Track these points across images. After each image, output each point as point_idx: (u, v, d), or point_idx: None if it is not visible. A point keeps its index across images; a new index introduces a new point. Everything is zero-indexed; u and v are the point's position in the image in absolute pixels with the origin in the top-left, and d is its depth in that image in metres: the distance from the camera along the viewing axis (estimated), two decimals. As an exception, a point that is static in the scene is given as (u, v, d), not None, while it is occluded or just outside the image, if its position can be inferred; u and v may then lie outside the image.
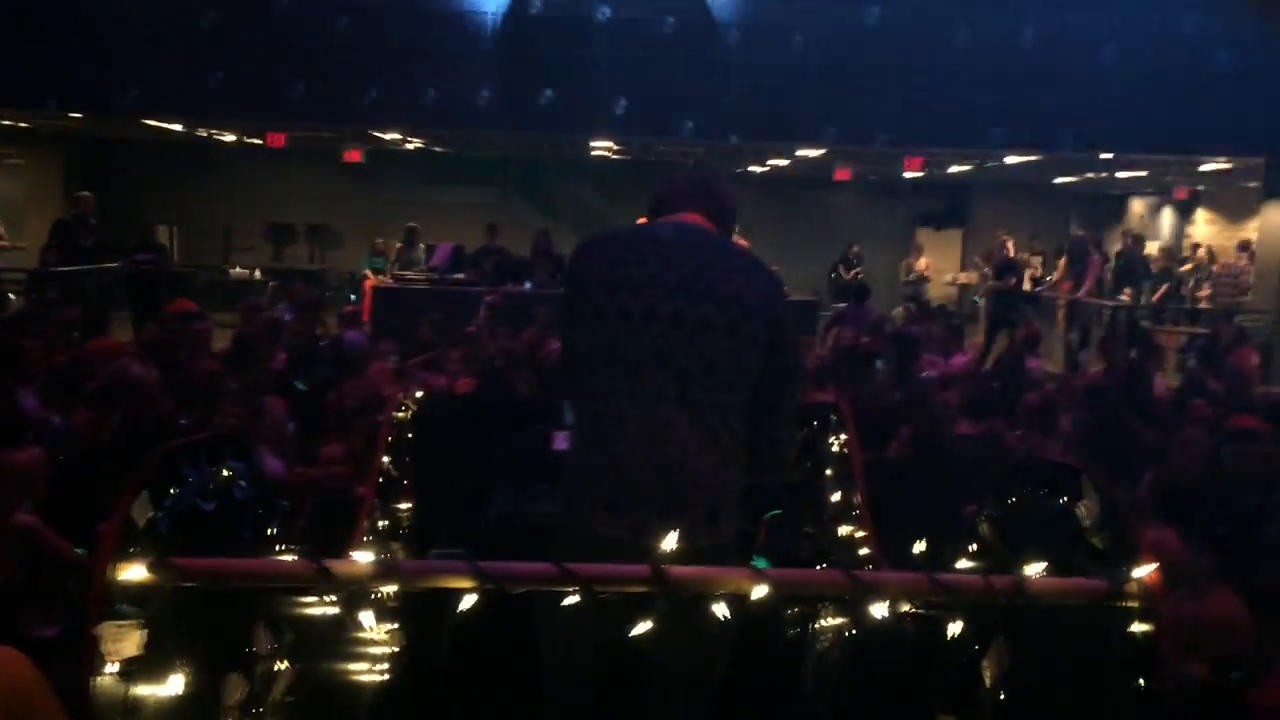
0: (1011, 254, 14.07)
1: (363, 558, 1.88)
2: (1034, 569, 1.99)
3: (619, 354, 2.35)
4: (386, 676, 2.82)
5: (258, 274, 17.66)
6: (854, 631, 2.85)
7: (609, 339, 2.36)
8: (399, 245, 14.75)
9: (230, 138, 16.65)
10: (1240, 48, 11.73)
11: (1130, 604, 1.88)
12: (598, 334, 2.37)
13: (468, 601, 1.95)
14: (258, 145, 16.18)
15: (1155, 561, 1.93)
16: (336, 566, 1.85)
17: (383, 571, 1.85)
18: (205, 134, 16.28)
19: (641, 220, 2.72)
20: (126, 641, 1.74)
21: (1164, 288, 15.02)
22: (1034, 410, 5.52)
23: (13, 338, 6.22)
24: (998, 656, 2.41)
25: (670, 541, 2.12)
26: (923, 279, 16.67)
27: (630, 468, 2.31)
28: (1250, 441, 4.84)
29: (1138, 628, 1.86)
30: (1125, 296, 13.62)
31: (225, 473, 2.19)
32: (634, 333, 2.34)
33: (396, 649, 2.83)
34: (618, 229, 2.72)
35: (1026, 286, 16.06)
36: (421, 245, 14.55)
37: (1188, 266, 15.85)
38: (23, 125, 16.13)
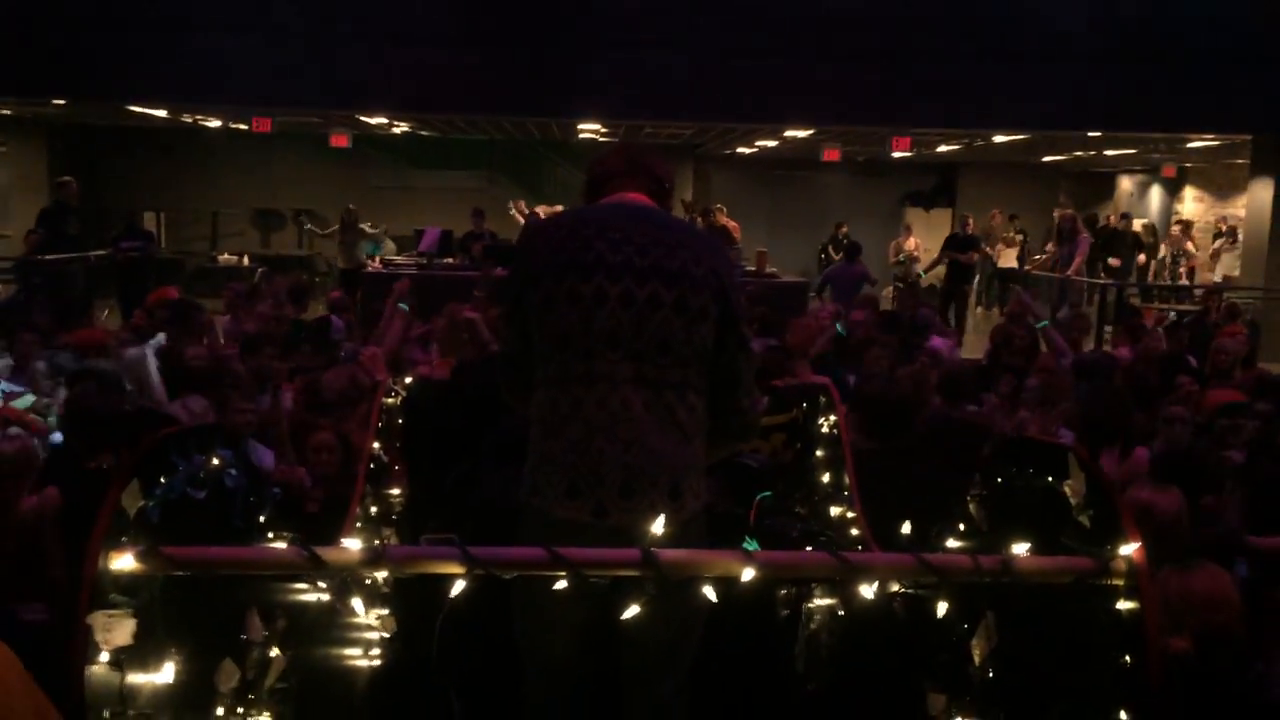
0: (970, 231, 14.11)
1: (352, 545, 1.89)
2: (1021, 548, 2.00)
3: (572, 340, 2.36)
4: (379, 661, 2.83)
5: (246, 260, 17.59)
6: (844, 611, 2.87)
7: (561, 325, 2.37)
8: (335, 229, 14.07)
9: (215, 123, 16.56)
10: (1227, 25, 11.73)
11: (1116, 581, 1.89)
12: (549, 322, 2.39)
13: (458, 586, 1.96)
14: (243, 130, 16.09)
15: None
16: (327, 554, 1.85)
17: (372, 558, 1.85)
18: (190, 119, 16.19)
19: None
20: (118, 630, 1.74)
21: (1152, 263, 15.08)
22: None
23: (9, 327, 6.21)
24: (986, 634, 2.43)
25: (634, 520, 2.15)
26: (912, 259, 16.68)
27: (589, 451, 2.33)
28: (1238, 415, 4.88)
29: (1123, 605, 1.88)
30: (1114, 261, 13.60)
31: (215, 461, 2.19)
32: (585, 317, 2.35)
33: (388, 633, 2.84)
34: (560, 215, 2.73)
35: (1013, 264, 16.09)
36: (364, 226, 14.14)
37: (1162, 249, 15.90)
38: (5, 113, 16.01)
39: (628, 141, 3.24)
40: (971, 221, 14.50)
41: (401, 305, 6.16)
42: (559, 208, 14.28)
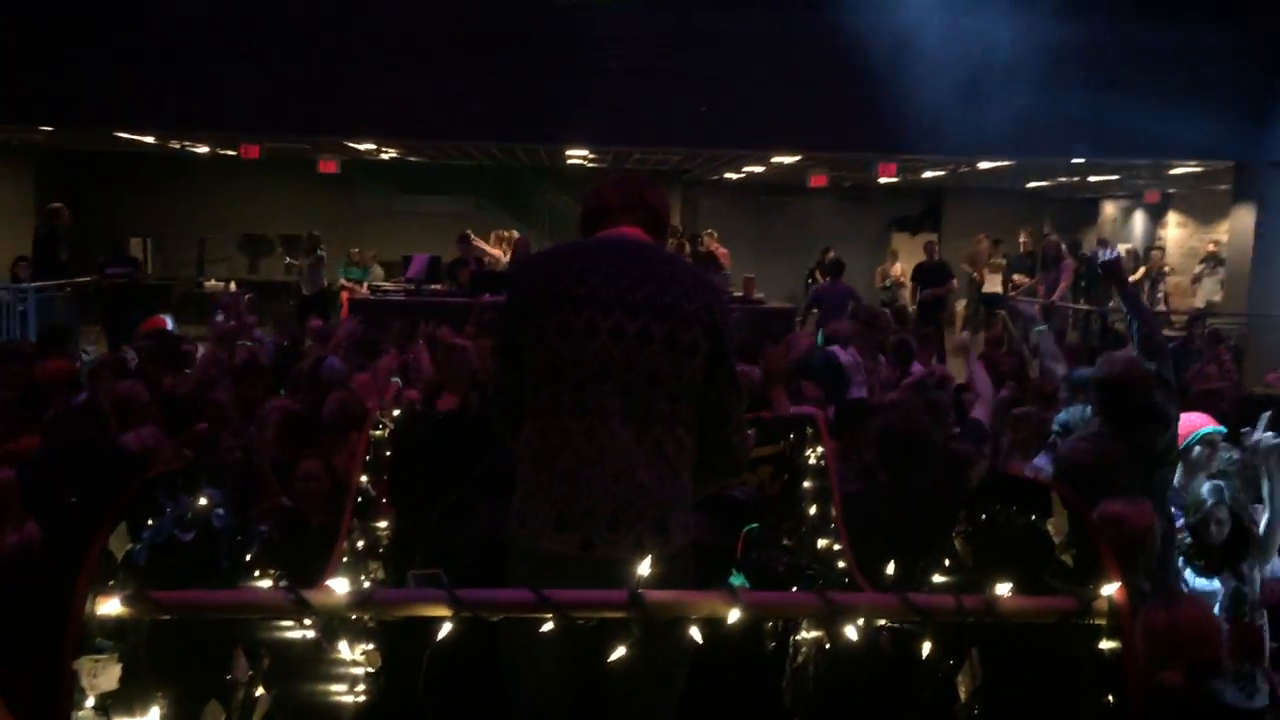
0: (938, 258, 14.10)
1: (339, 586, 1.89)
2: (1004, 588, 2.02)
3: (562, 371, 2.39)
4: (365, 697, 2.82)
5: (233, 286, 17.57)
6: (830, 646, 2.88)
7: (551, 357, 2.39)
8: (302, 256, 14.21)
9: (203, 149, 16.56)
10: (1209, 55, 11.87)
11: (1098, 621, 1.91)
12: (540, 353, 2.41)
13: (446, 626, 1.97)
14: (231, 156, 16.10)
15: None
16: (313, 597, 1.85)
17: (359, 601, 1.86)
18: (178, 146, 16.19)
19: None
20: (105, 675, 1.74)
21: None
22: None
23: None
24: (972, 670, 2.44)
25: (620, 554, 2.16)
26: (898, 284, 16.74)
27: (578, 483, 2.35)
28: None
29: (1106, 644, 1.90)
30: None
31: (202, 501, 2.19)
32: (576, 350, 2.38)
33: (374, 669, 2.83)
34: (555, 247, 2.75)
35: (998, 289, 16.13)
36: (321, 252, 14.13)
37: (1139, 272, 15.98)
38: (-7, 139, 16.02)
39: (625, 174, 3.25)
40: (938, 249, 14.38)
41: (395, 380, 6.22)
42: (514, 232, 14.44)
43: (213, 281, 17.79)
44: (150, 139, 14.91)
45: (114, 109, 12.26)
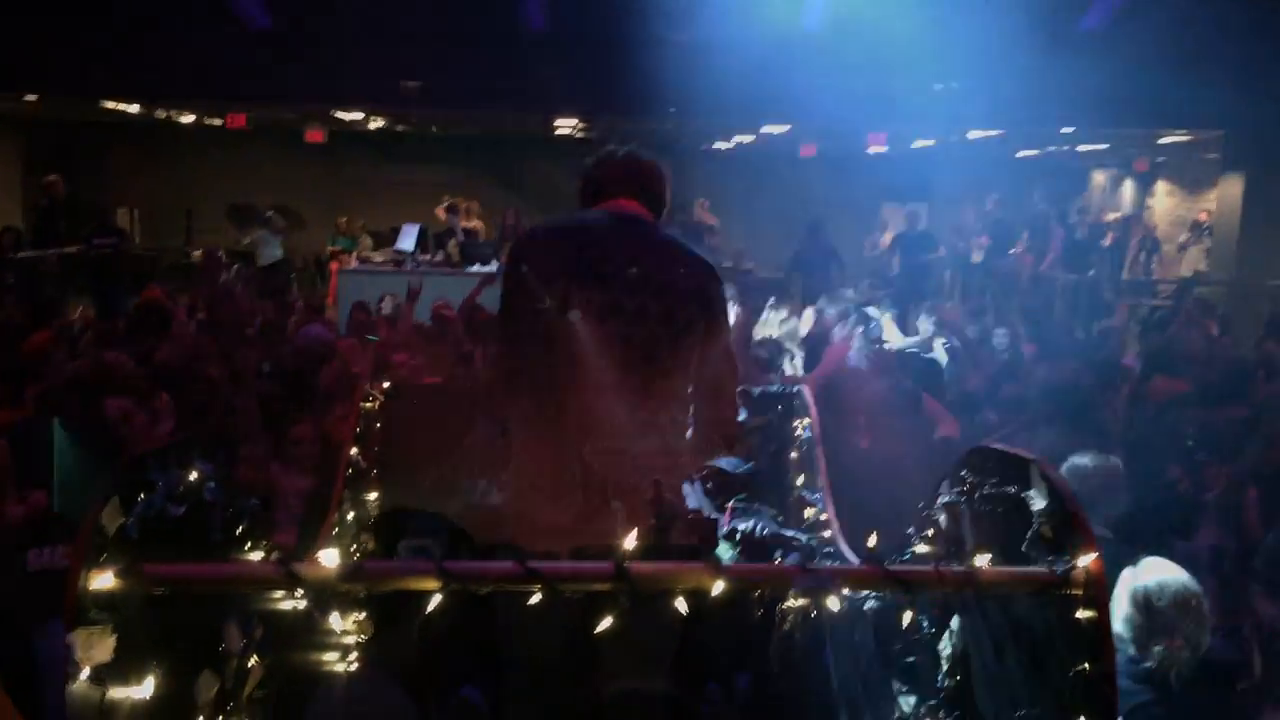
0: (923, 226, 14.06)
1: (330, 559, 1.92)
2: (984, 558, 2.06)
3: (559, 346, 2.40)
4: (356, 666, 2.85)
5: (221, 256, 17.48)
6: (816, 613, 2.92)
7: (549, 332, 2.40)
8: (251, 229, 14.08)
9: (189, 119, 16.44)
10: (1200, 24, 11.84)
11: (1075, 591, 1.96)
12: (538, 327, 2.41)
13: (435, 599, 2.00)
14: (218, 126, 16.00)
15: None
16: (304, 570, 1.88)
17: (349, 574, 1.89)
18: (164, 115, 16.08)
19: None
20: (99, 647, 1.76)
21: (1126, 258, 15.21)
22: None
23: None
24: (953, 638, 2.49)
25: (614, 526, 2.20)
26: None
27: (573, 457, 2.36)
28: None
29: (1083, 613, 1.94)
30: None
31: (193, 475, 2.21)
32: (573, 324, 2.40)
33: (365, 637, 2.86)
34: (554, 220, 2.75)
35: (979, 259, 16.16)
36: (268, 223, 13.96)
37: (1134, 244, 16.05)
38: (-22, 109, 15.90)
39: (623, 149, 3.22)
40: (921, 217, 14.31)
41: (370, 337, 6.26)
42: (475, 203, 14.41)
43: (199, 251, 17.71)
44: (135, 108, 14.80)
45: (99, 79, 12.16)
